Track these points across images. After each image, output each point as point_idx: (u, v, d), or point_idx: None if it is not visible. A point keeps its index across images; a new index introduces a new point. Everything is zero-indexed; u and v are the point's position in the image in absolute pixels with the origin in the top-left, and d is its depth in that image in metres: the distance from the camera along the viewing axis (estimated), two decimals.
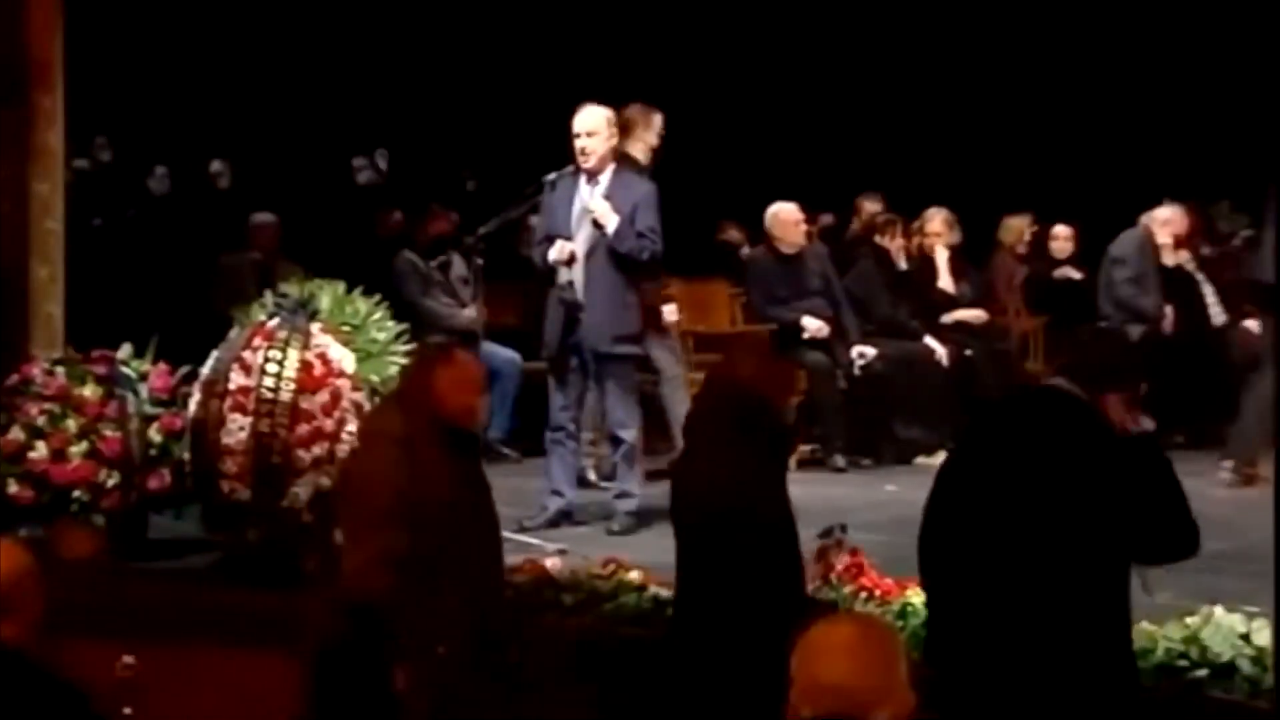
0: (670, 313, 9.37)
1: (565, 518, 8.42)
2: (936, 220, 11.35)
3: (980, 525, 4.81)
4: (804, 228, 11.06)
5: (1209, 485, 9.37)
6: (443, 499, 5.24)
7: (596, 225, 8.36)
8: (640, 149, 9.21)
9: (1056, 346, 11.59)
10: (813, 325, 10.57)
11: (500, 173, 13.46)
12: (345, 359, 7.30)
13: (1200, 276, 11.68)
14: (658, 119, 9.33)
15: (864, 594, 6.36)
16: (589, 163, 8.38)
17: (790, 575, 5.34)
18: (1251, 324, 11.43)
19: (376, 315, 7.62)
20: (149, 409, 7.76)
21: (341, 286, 7.65)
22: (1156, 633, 5.69)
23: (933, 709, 4.52)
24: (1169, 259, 11.42)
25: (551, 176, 8.52)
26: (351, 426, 7.20)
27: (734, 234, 13.29)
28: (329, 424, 7.17)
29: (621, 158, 8.67)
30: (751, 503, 5.29)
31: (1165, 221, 11.43)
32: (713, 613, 5.16)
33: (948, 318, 11.09)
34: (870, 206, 12.66)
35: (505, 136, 14.61)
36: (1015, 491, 4.77)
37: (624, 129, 8.94)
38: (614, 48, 14.66)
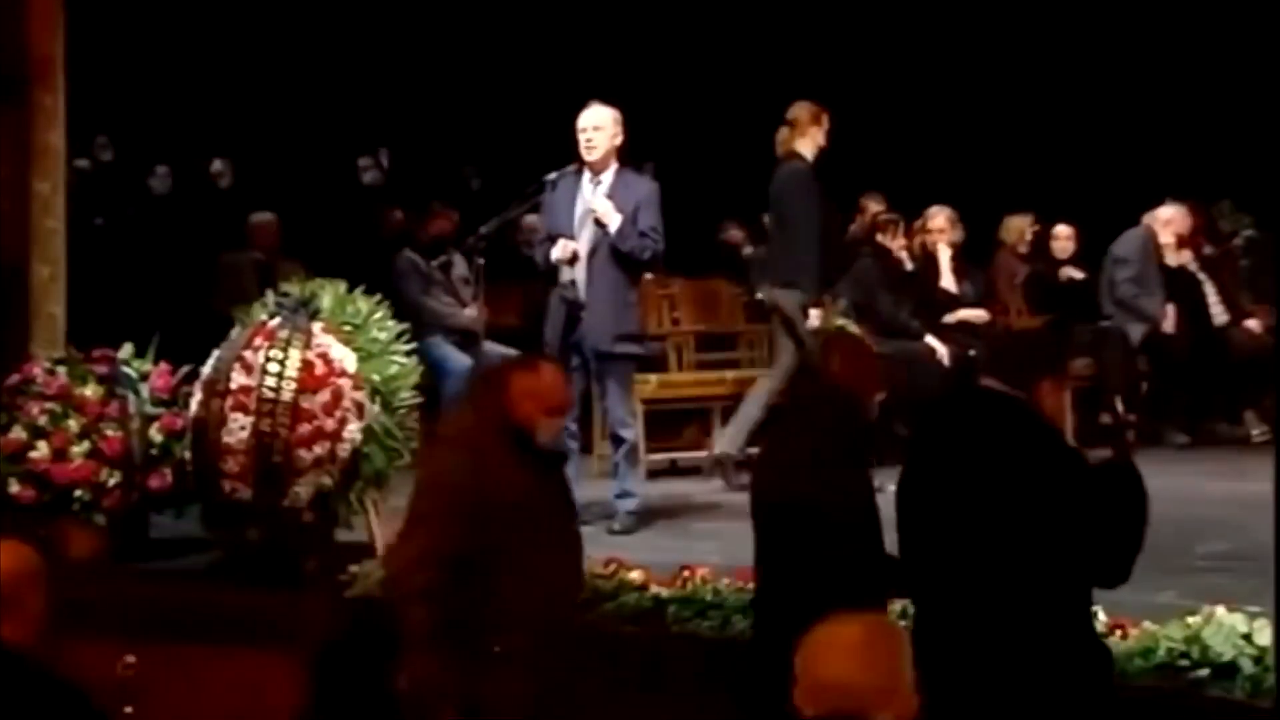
0: (815, 318, 9.30)
1: None
2: (940, 218, 11.34)
3: (937, 532, 4.87)
4: None
5: (1210, 485, 9.38)
6: (506, 502, 5.12)
7: (599, 224, 8.35)
8: (808, 146, 9.28)
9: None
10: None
11: (503, 171, 13.46)
12: (346, 358, 7.30)
13: (1202, 276, 11.68)
14: (824, 118, 9.38)
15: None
16: (594, 156, 8.37)
17: (869, 572, 5.27)
18: (1253, 323, 11.44)
19: (378, 315, 7.62)
20: (150, 408, 7.76)
21: (343, 286, 7.64)
22: (1158, 632, 5.69)
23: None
24: (1171, 259, 11.41)
25: (553, 176, 8.52)
26: (353, 426, 7.19)
27: (736, 233, 13.30)
28: (330, 423, 7.17)
29: (621, 158, 8.66)
30: (830, 498, 5.25)
31: (1167, 221, 11.43)
32: (791, 609, 5.09)
33: (950, 317, 11.08)
34: (872, 206, 12.65)
35: (508, 135, 14.62)
36: (963, 495, 4.81)
37: (793, 126, 9.05)
38: (616, 46, 14.66)
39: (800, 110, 9.38)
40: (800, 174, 9.24)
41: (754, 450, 8.63)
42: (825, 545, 5.21)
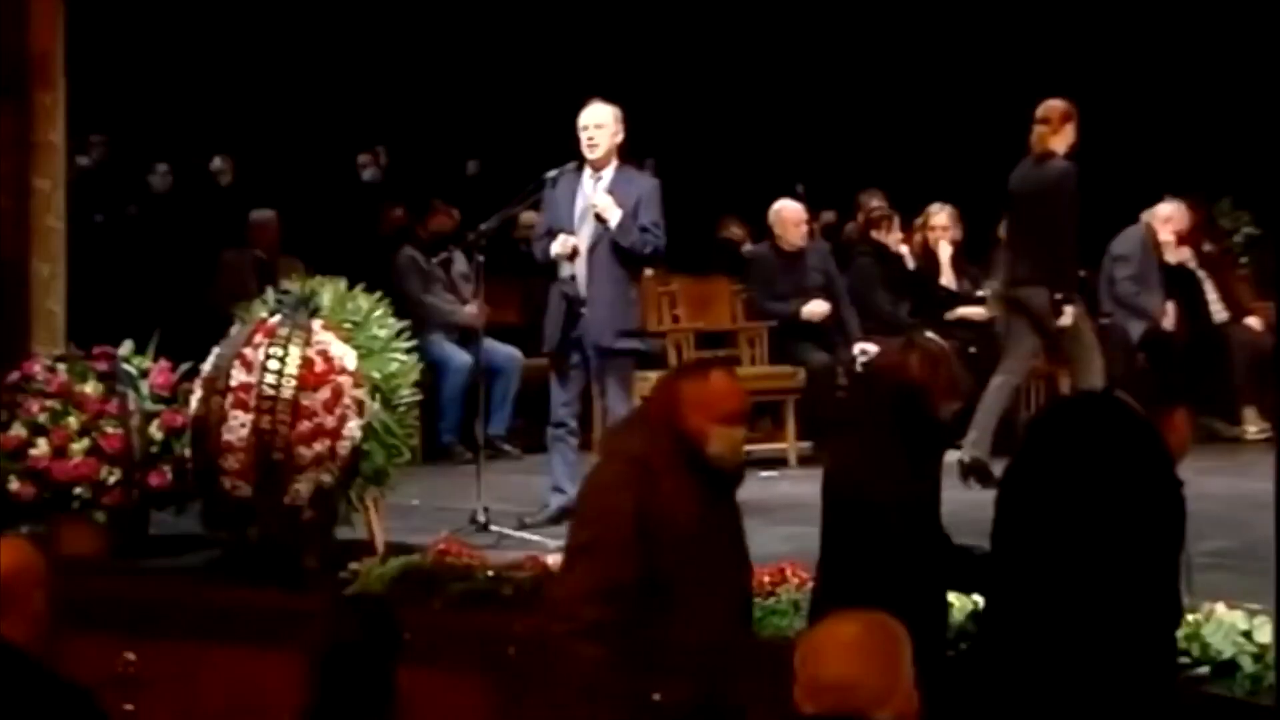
0: (1069, 316, 9.26)
1: (567, 514, 8.37)
2: (941, 216, 11.34)
3: (1033, 534, 4.86)
4: (805, 227, 11.06)
5: (1209, 482, 9.38)
6: (679, 529, 4.75)
7: (599, 219, 8.36)
8: (1062, 144, 9.26)
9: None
10: (810, 309, 10.59)
11: (504, 168, 13.47)
12: (347, 356, 7.30)
13: (1201, 273, 11.68)
14: (1075, 115, 9.38)
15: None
16: (595, 153, 8.37)
17: (925, 572, 5.24)
18: (1253, 321, 11.44)
19: (378, 312, 7.62)
20: (150, 406, 7.77)
21: (343, 283, 7.64)
22: None
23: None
24: (1171, 256, 11.41)
25: (553, 173, 8.52)
26: (353, 423, 7.19)
27: (735, 230, 13.30)
28: (330, 421, 7.17)
29: (622, 155, 8.67)
30: (892, 494, 5.21)
31: (1166, 218, 11.43)
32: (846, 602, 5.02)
33: (949, 314, 11.08)
34: (871, 203, 12.66)
35: (508, 133, 14.63)
36: (1065, 506, 4.80)
37: (1045, 122, 9.10)
38: (616, 44, 14.66)
39: (1053, 108, 9.36)
40: (1070, 174, 9.22)
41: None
42: (883, 543, 5.18)
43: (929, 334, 10.68)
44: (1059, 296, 9.11)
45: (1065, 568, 4.77)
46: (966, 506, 6.28)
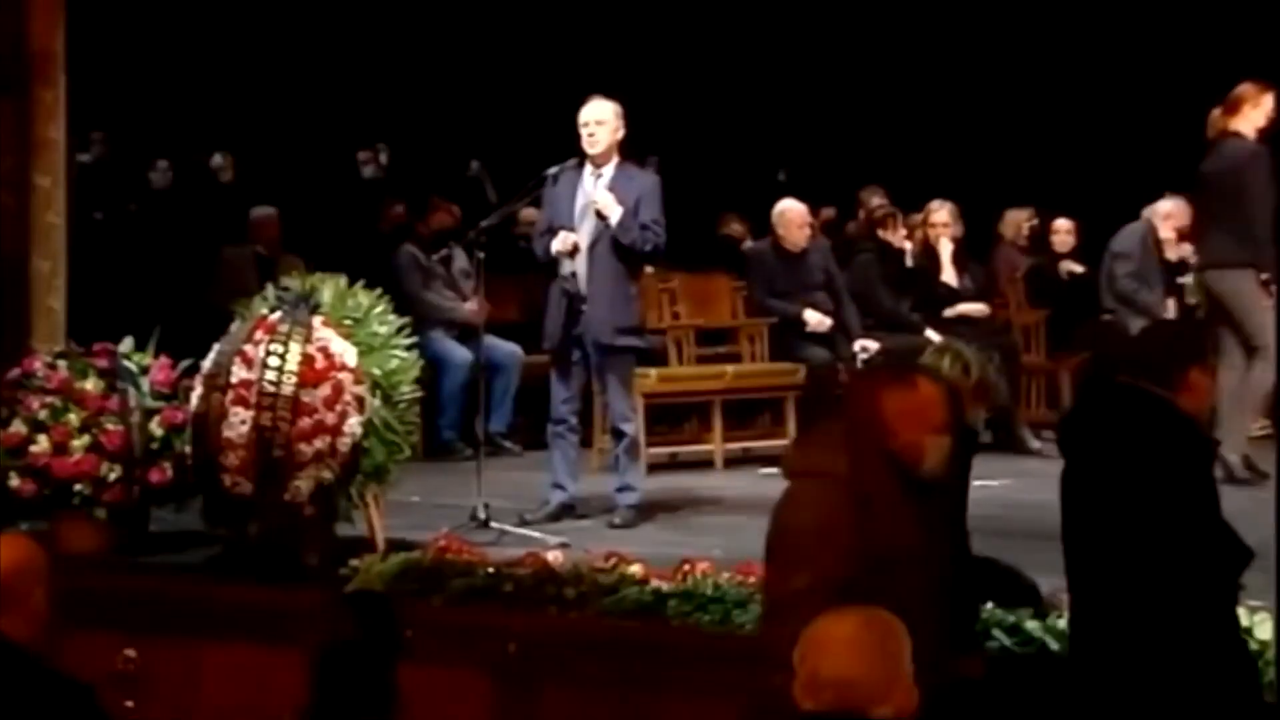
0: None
1: (567, 511, 8.42)
2: (942, 213, 11.33)
3: (1094, 536, 4.83)
4: (808, 229, 11.06)
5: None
6: (898, 554, 4.43)
7: (600, 216, 8.36)
8: (1248, 126, 9.21)
9: (1058, 340, 11.61)
10: (814, 319, 10.59)
11: (505, 165, 13.47)
12: (347, 352, 7.30)
13: None
14: (1268, 100, 9.31)
15: None
16: (596, 149, 8.37)
17: (960, 573, 5.15)
18: None
19: (378, 309, 7.62)
20: (150, 402, 7.76)
21: (343, 280, 7.64)
22: None
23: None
24: (1171, 253, 11.40)
25: (554, 170, 8.52)
26: (354, 420, 7.19)
27: (736, 227, 13.30)
28: (331, 417, 7.16)
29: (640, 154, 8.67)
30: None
31: (1167, 215, 11.42)
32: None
33: (950, 311, 11.08)
34: (872, 200, 12.66)
35: (509, 129, 14.61)
36: (1118, 502, 4.77)
37: (1232, 107, 9.06)
38: (616, 41, 14.65)
39: (1244, 90, 9.29)
40: (1261, 154, 9.14)
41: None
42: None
43: (930, 332, 10.75)
44: (1264, 276, 9.06)
45: (1135, 562, 4.74)
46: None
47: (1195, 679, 4.69)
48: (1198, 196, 9.87)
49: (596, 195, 8.36)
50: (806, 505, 4.60)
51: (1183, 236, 11.47)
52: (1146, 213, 11.50)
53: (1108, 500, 4.80)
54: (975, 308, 11.21)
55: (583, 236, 8.39)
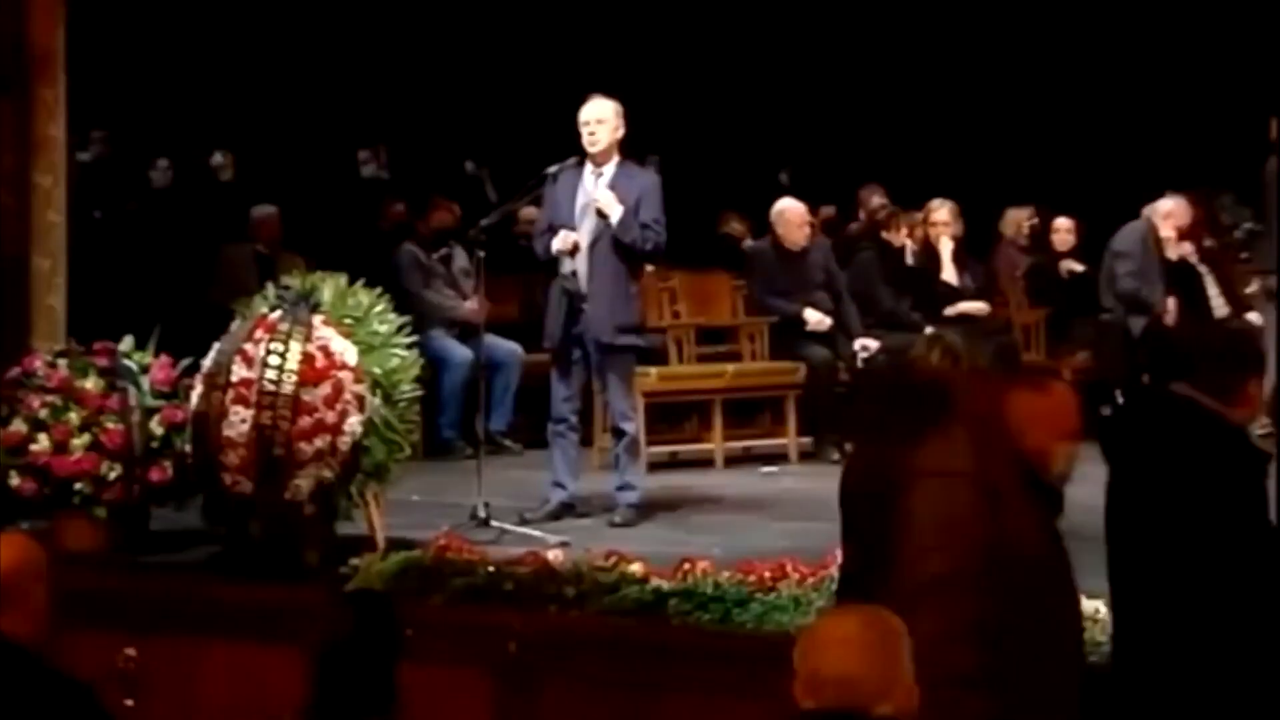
0: None
1: (567, 510, 8.42)
2: (943, 211, 11.32)
3: (1141, 551, 4.81)
4: (808, 228, 11.06)
5: None
6: (1030, 558, 4.32)
7: (600, 215, 8.36)
8: None
9: (1058, 338, 11.61)
10: (814, 318, 10.58)
11: (505, 164, 13.46)
12: (347, 351, 7.30)
13: (1203, 268, 11.67)
14: None
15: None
16: (596, 147, 8.38)
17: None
18: (1254, 316, 11.43)
19: (378, 308, 7.62)
20: (151, 401, 7.76)
21: (343, 279, 7.64)
22: None
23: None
24: (1172, 252, 11.40)
25: (554, 169, 8.52)
26: (354, 419, 7.19)
27: (736, 226, 13.30)
28: (331, 416, 7.17)
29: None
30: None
31: (1168, 214, 11.41)
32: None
33: (951, 310, 11.08)
34: (873, 199, 12.66)
35: (509, 128, 14.61)
36: (1166, 517, 4.74)
37: None
38: (617, 41, 14.65)
39: None
40: None
41: None
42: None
43: (930, 330, 10.75)
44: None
45: (1181, 579, 4.72)
46: None
47: (1241, 691, 4.66)
48: (1263, 200, 9.86)
49: (597, 194, 8.36)
50: (938, 499, 4.44)
51: (1183, 235, 11.47)
52: (1147, 211, 11.50)
53: (1156, 511, 4.77)
54: (976, 306, 11.21)
55: (583, 235, 8.39)
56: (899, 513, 4.50)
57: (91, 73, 9.53)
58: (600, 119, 8.39)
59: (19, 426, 7.61)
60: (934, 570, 4.29)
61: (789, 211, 10.92)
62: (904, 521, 4.46)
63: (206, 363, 7.46)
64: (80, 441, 7.59)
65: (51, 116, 8.58)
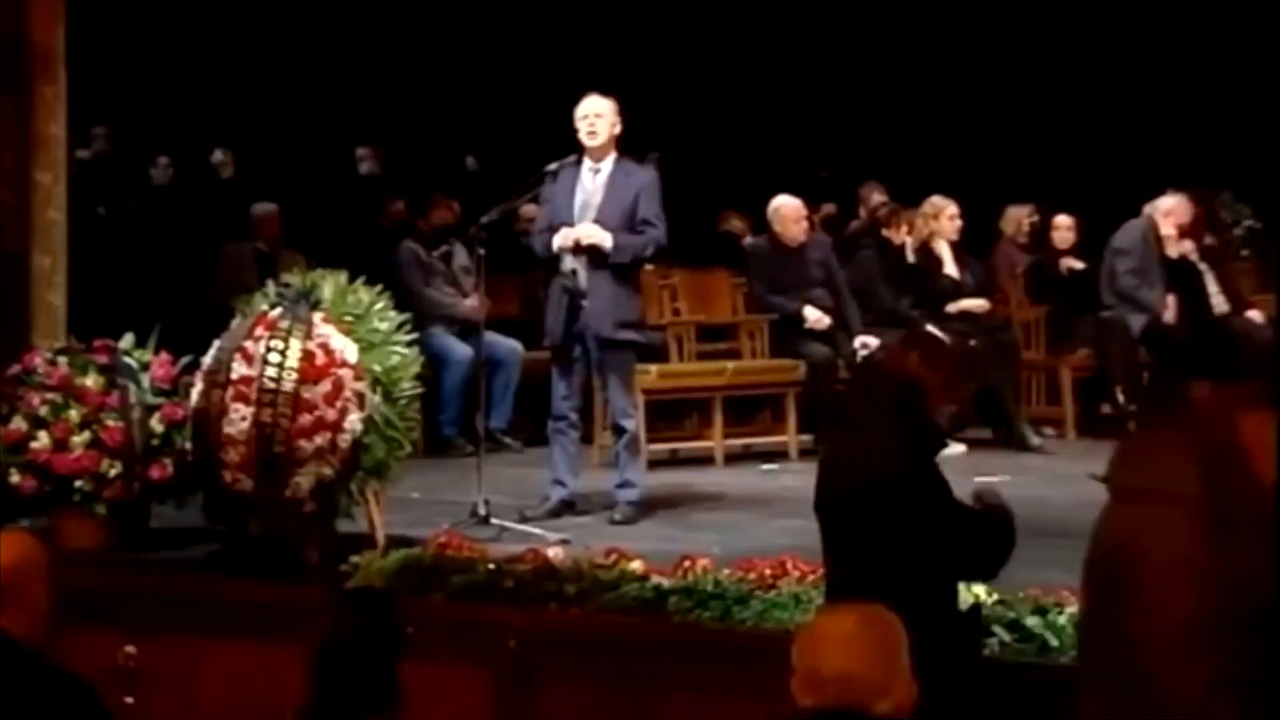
0: None
1: (567, 507, 8.42)
2: (946, 209, 11.32)
3: None
4: (805, 223, 11.06)
5: None
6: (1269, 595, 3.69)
7: (594, 249, 8.33)
8: None
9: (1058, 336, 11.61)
10: (813, 316, 10.59)
11: (503, 161, 13.46)
12: (347, 349, 7.30)
13: (1203, 266, 11.68)
14: None
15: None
16: (595, 141, 8.37)
17: (938, 562, 5.16)
18: (1254, 314, 11.44)
19: (379, 305, 7.62)
20: (151, 399, 7.76)
21: (344, 276, 7.64)
22: None
23: None
24: (1172, 249, 11.40)
25: (553, 166, 8.52)
26: (354, 416, 7.19)
27: (736, 223, 13.30)
28: (331, 414, 7.17)
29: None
30: (900, 492, 5.14)
31: (1168, 211, 11.41)
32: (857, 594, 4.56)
33: (952, 307, 11.09)
34: (874, 196, 12.66)
35: (508, 126, 14.62)
36: None
37: None
38: (617, 38, 14.66)
39: None
40: None
41: None
42: (890, 539, 5.11)
43: (931, 327, 10.75)
44: None
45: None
46: None
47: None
48: None
49: (582, 232, 8.33)
50: (1167, 535, 3.77)
51: (1183, 233, 11.47)
52: (1148, 209, 11.50)
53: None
54: (976, 303, 11.22)
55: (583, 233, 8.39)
56: (1110, 542, 3.89)
57: (92, 70, 9.53)
58: (598, 114, 8.39)
59: (19, 424, 7.61)
60: (1182, 615, 3.66)
61: (785, 207, 10.92)
62: (1123, 554, 3.81)
63: (207, 360, 7.46)
64: (80, 439, 7.59)
65: (52, 114, 8.59)
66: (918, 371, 5.33)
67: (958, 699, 4.80)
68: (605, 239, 8.31)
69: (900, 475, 5.16)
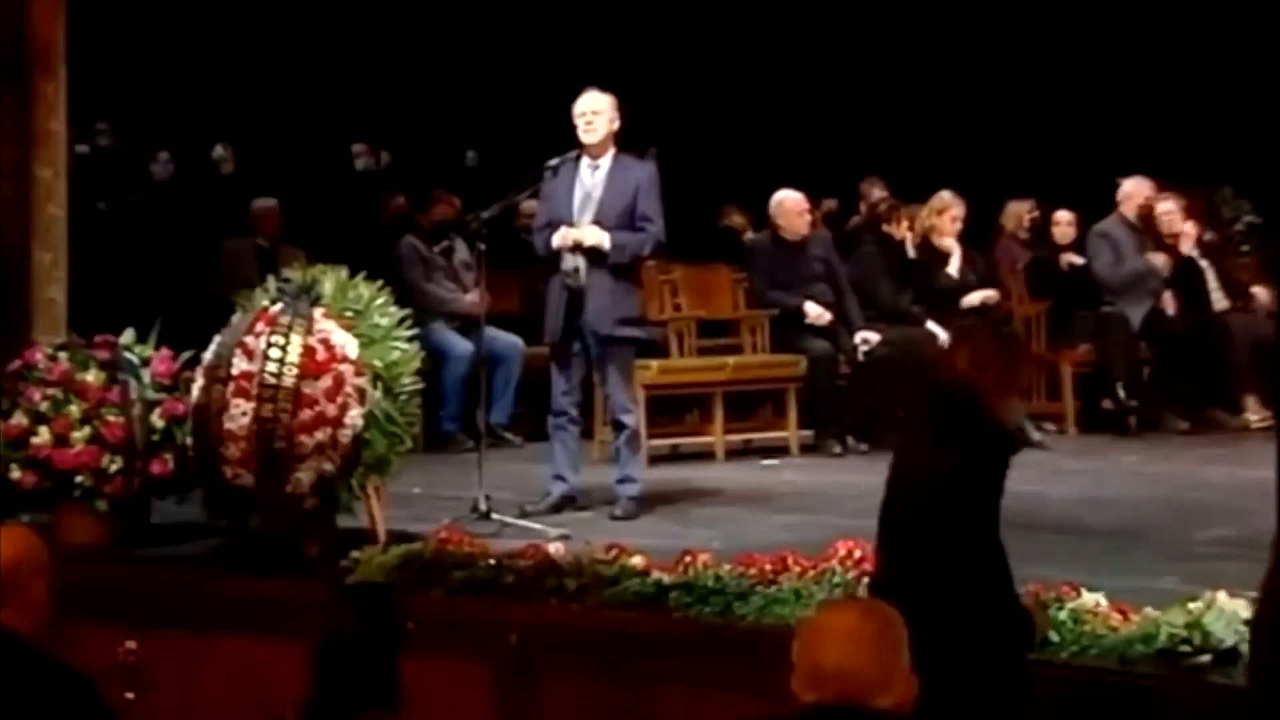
0: None
1: (568, 502, 8.43)
2: (951, 206, 11.32)
3: None
4: (808, 217, 11.06)
5: (1210, 470, 9.39)
6: None
7: (594, 250, 8.33)
8: None
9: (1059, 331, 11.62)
10: (814, 311, 10.58)
11: (503, 158, 13.46)
12: (348, 344, 7.30)
13: (1203, 262, 11.69)
14: None
15: (865, 579, 6.34)
16: (593, 137, 8.37)
17: (986, 568, 5.05)
18: (1259, 291, 11.48)
19: (379, 300, 7.62)
20: (152, 394, 7.76)
21: (344, 272, 7.64)
22: (1159, 618, 5.69)
23: None
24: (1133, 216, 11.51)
25: (553, 162, 8.52)
26: (355, 411, 7.19)
27: (737, 219, 13.30)
28: (332, 409, 7.17)
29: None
30: (952, 502, 4.99)
31: (1128, 195, 11.56)
32: (905, 601, 4.33)
33: (965, 302, 11.09)
34: (874, 192, 12.66)
35: (508, 122, 14.61)
36: None
37: None
38: (616, 33, 14.65)
39: None
40: None
41: None
42: (946, 547, 4.99)
43: (931, 324, 10.76)
44: None
45: None
46: None
47: None
48: None
49: (581, 233, 8.32)
50: None
51: (1145, 211, 11.55)
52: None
53: None
54: (987, 294, 11.23)
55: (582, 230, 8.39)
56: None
57: (93, 66, 9.53)
58: (597, 110, 8.39)
59: (20, 419, 7.62)
60: None
61: (788, 201, 10.93)
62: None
63: (207, 356, 7.46)
64: (81, 434, 7.59)
65: (52, 109, 8.58)
66: (969, 372, 5.08)
67: (1010, 702, 4.77)
68: (604, 240, 8.30)
69: (954, 490, 5.00)
